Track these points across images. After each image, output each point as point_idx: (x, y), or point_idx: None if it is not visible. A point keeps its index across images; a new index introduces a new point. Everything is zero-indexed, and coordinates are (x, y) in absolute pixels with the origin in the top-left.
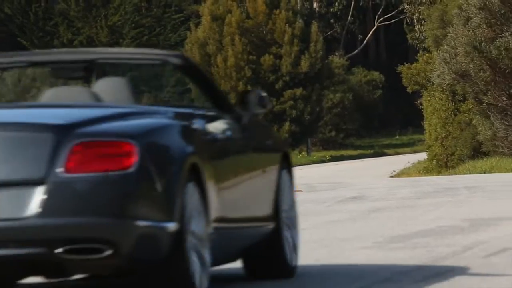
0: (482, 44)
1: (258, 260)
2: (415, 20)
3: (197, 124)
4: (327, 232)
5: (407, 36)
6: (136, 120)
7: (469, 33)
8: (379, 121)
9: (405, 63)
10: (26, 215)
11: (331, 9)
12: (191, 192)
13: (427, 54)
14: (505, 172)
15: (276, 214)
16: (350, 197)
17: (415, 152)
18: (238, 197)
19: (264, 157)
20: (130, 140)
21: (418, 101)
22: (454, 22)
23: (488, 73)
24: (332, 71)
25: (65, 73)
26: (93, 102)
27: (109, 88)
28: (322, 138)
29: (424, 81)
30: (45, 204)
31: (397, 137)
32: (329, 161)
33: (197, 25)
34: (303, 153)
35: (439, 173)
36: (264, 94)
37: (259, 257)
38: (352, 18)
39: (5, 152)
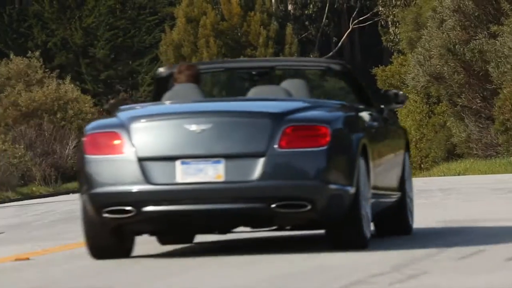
0: (456, 46)
1: (387, 221)
2: (390, 23)
3: (361, 114)
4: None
5: (382, 38)
6: (325, 111)
7: (443, 35)
8: None
9: (379, 65)
10: (252, 178)
11: (306, 11)
12: (361, 166)
13: (401, 57)
14: (479, 174)
15: (402, 186)
16: None
17: None
18: (382, 171)
19: (397, 142)
20: (325, 125)
21: None
22: (429, 24)
23: (462, 75)
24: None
25: (252, 76)
26: (288, 97)
27: (293, 87)
28: None
29: (398, 83)
30: (265, 171)
31: None
32: None
33: (171, 27)
34: None
35: (413, 175)
36: (401, 92)
37: (388, 219)
38: (326, 21)
39: (239, 133)
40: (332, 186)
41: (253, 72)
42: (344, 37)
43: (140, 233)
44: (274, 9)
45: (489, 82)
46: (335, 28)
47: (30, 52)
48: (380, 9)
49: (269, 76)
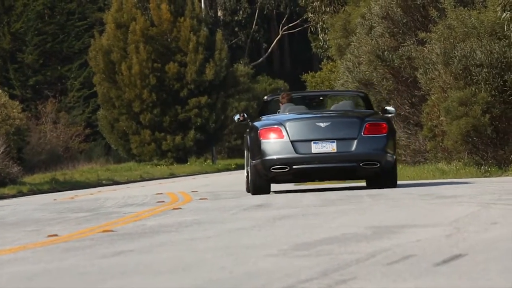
0: (385, 53)
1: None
2: (319, 29)
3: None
4: (232, 240)
5: (311, 44)
6: (379, 116)
7: (372, 42)
8: None
9: (309, 71)
10: (350, 150)
11: (236, 18)
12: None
13: (331, 63)
14: (407, 180)
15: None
16: (255, 205)
17: None
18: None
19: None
20: (384, 122)
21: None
22: (357, 31)
23: (391, 81)
24: (237, 79)
25: (314, 102)
26: (355, 109)
27: (348, 105)
28: (227, 146)
29: (328, 89)
30: (357, 146)
31: None
32: (235, 169)
33: (101, 32)
34: (208, 161)
35: (342, 181)
36: (391, 107)
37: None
38: (256, 27)
39: (343, 127)
40: (388, 155)
41: (320, 97)
42: (274, 43)
43: (285, 181)
44: (204, 15)
45: (417, 88)
46: (265, 34)
47: None
48: (310, 15)
49: (323, 100)
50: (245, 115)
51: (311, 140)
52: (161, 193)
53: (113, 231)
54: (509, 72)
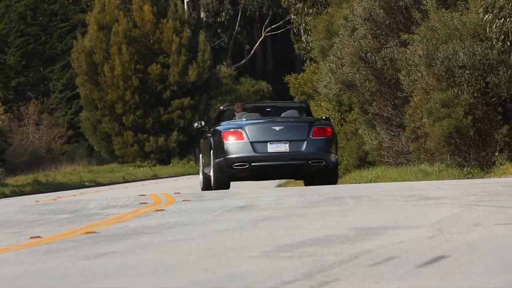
0: (367, 54)
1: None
2: (302, 31)
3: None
4: (215, 242)
5: (294, 46)
6: (324, 122)
7: (355, 43)
8: None
9: (292, 73)
10: (301, 150)
11: (219, 19)
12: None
13: (314, 65)
14: (390, 181)
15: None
16: (238, 206)
17: None
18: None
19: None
20: (329, 127)
21: None
22: (340, 33)
23: (373, 83)
24: (220, 80)
25: (267, 111)
26: (300, 116)
27: (294, 113)
28: None
29: (311, 91)
30: (306, 147)
31: None
32: None
33: (83, 34)
34: (191, 162)
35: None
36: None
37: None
38: (239, 28)
39: (295, 130)
40: (332, 155)
41: (267, 108)
42: (256, 44)
43: (244, 178)
44: (187, 17)
45: (400, 90)
46: (248, 36)
47: None
48: (292, 17)
49: (274, 109)
50: (203, 123)
51: (267, 141)
52: (144, 195)
53: (95, 233)
54: (491, 74)
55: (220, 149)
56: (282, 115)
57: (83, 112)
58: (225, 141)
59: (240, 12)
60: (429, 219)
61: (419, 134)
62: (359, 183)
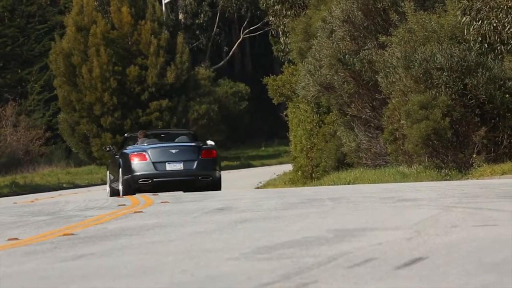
0: (346, 56)
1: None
2: (280, 32)
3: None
4: (194, 243)
5: (273, 48)
6: (211, 145)
7: (333, 45)
8: (245, 133)
9: (270, 74)
10: (193, 168)
11: (197, 21)
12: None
13: (292, 66)
14: (368, 183)
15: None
16: (216, 208)
17: (281, 163)
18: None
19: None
20: (214, 149)
21: (284, 113)
22: (318, 34)
23: (352, 85)
24: (198, 82)
25: (163, 137)
26: (190, 141)
27: (185, 139)
28: None
29: (289, 92)
30: (197, 165)
31: (263, 148)
32: None
33: (61, 35)
34: None
35: (304, 184)
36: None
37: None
38: (217, 30)
39: (188, 152)
40: (216, 171)
41: (162, 135)
42: (235, 46)
43: (148, 191)
44: (165, 18)
45: (378, 92)
46: (226, 38)
47: None
48: (271, 19)
49: (169, 136)
50: (111, 147)
51: (166, 161)
52: (122, 197)
53: (74, 235)
54: (469, 76)
55: (128, 168)
56: (176, 140)
57: (61, 113)
58: (132, 162)
59: (218, 14)
60: (407, 221)
61: (397, 136)
62: (337, 184)
